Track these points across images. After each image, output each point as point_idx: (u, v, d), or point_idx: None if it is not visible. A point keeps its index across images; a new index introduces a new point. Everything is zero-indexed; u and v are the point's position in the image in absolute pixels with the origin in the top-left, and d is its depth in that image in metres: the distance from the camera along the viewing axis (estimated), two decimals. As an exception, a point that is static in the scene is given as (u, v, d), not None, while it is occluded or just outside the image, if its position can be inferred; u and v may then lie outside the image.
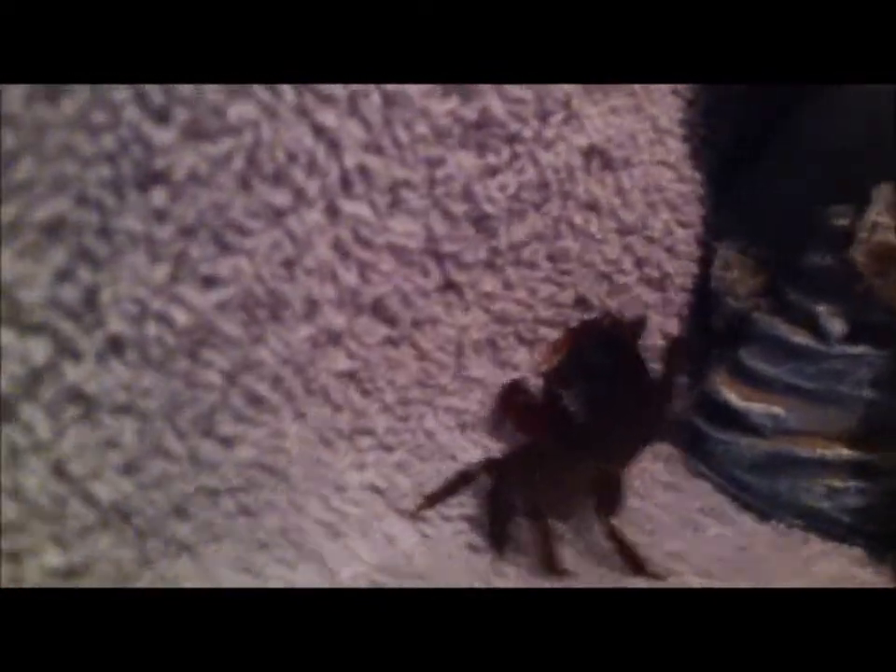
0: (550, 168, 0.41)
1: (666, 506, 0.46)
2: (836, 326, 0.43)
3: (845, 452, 0.43)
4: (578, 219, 0.44)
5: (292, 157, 0.34)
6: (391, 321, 0.40)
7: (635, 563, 0.38)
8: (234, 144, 0.33)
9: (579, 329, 0.43)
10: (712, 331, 0.48)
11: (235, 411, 0.36)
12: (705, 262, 0.49)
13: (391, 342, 0.40)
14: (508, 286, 0.43)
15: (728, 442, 0.46)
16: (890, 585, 0.40)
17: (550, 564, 0.38)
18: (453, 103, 0.37)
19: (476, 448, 0.44)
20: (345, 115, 0.35)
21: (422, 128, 0.37)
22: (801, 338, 0.44)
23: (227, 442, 0.37)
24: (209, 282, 0.34)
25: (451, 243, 0.40)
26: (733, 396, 0.46)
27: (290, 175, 0.34)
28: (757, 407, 0.45)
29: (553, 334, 0.45)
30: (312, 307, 0.37)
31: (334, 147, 0.35)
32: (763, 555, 0.43)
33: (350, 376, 0.40)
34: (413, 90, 0.35)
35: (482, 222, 0.41)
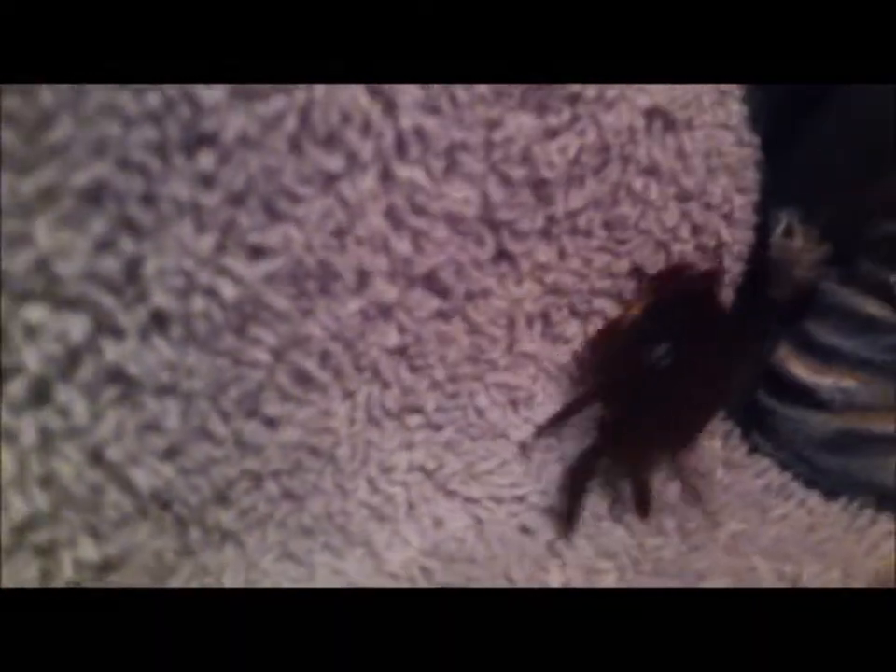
0: (611, 130, 0.39)
1: (728, 486, 0.44)
2: (915, 296, 0.41)
3: (922, 428, 0.41)
4: (637, 185, 0.41)
5: (346, 118, 0.32)
6: (443, 293, 0.38)
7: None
8: (286, 103, 0.31)
9: (664, 276, 0.41)
10: (774, 304, 0.45)
11: (282, 390, 0.34)
12: (764, 231, 0.46)
13: (443, 315, 0.38)
14: (563, 255, 0.41)
15: (796, 419, 0.43)
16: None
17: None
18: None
19: (528, 425, 0.42)
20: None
21: (481, 87, 0.34)
22: (874, 309, 0.42)
23: (272, 423, 0.34)
24: (258, 252, 0.32)
25: (507, 210, 0.37)
26: (801, 370, 0.43)
27: (344, 138, 0.32)
28: (827, 381, 0.43)
29: (608, 306, 0.43)
30: (363, 279, 0.35)
31: (390, 106, 0.33)
32: (832, 535, 0.41)
33: (400, 352, 0.37)
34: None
35: (540, 188, 0.38)
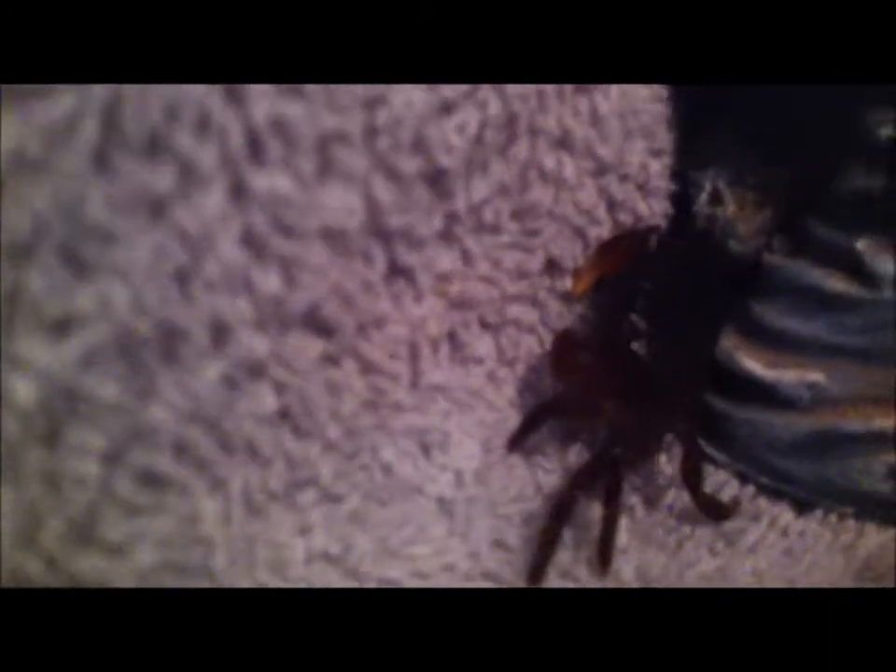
0: (517, 96, 0.30)
1: (681, 511, 0.36)
2: (885, 265, 0.34)
3: (907, 421, 0.34)
4: (549, 162, 0.33)
5: (172, 113, 0.22)
6: (328, 332, 0.28)
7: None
8: (78, 102, 0.20)
9: (613, 245, 0.36)
10: (709, 285, 0.38)
11: (124, 503, 0.24)
12: (685, 200, 0.39)
13: (330, 359, 0.29)
14: (468, 260, 0.32)
15: (755, 422, 0.36)
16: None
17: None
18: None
19: (446, 473, 0.33)
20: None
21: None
22: (838, 283, 0.35)
23: (117, 551, 0.25)
24: (62, 328, 0.21)
25: (399, 214, 0.28)
26: (753, 363, 0.36)
27: (171, 142, 0.22)
28: (789, 375, 0.36)
29: (524, 313, 0.35)
30: (220, 334, 0.25)
31: (234, 95, 0.23)
32: (815, 561, 0.34)
33: (281, 416, 0.28)
34: None
35: (436, 180, 0.29)
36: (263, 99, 0.23)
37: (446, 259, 0.32)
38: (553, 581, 0.32)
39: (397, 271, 0.30)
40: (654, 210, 0.39)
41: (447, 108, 0.28)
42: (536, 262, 0.35)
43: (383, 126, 0.26)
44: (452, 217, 0.31)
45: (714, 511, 0.34)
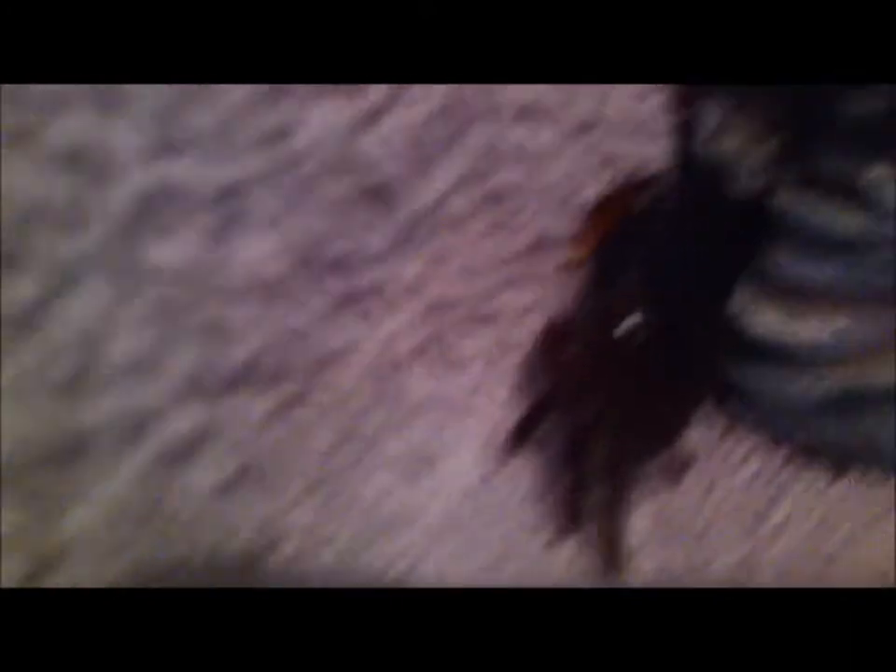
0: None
1: (704, 486, 0.34)
2: (900, 194, 0.30)
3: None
4: (517, 134, 0.29)
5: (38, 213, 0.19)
6: (278, 379, 0.26)
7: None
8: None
9: (608, 202, 0.33)
10: (718, 232, 0.34)
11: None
12: (688, 133, 0.35)
13: (288, 405, 0.27)
14: (440, 259, 0.29)
15: (778, 382, 0.33)
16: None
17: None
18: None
19: (446, 488, 0.31)
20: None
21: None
22: (854, 219, 0.31)
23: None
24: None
25: (340, 238, 0.26)
26: (770, 317, 0.33)
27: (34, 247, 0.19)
28: (809, 326, 0.32)
29: (513, 298, 0.32)
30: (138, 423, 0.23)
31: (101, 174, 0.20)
32: (853, 530, 0.32)
33: (240, 477, 0.26)
34: None
35: (379, 193, 0.26)
36: (141, 169, 0.20)
37: (413, 265, 0.29)
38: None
39: (354, 293, 0.27)
40: (659, 153, 0.35)
41: (373, 116, 0.25)
42: (521, 242, 0.32)
43: (298, 156, 0.23)
44: (410, 223, 0.28)
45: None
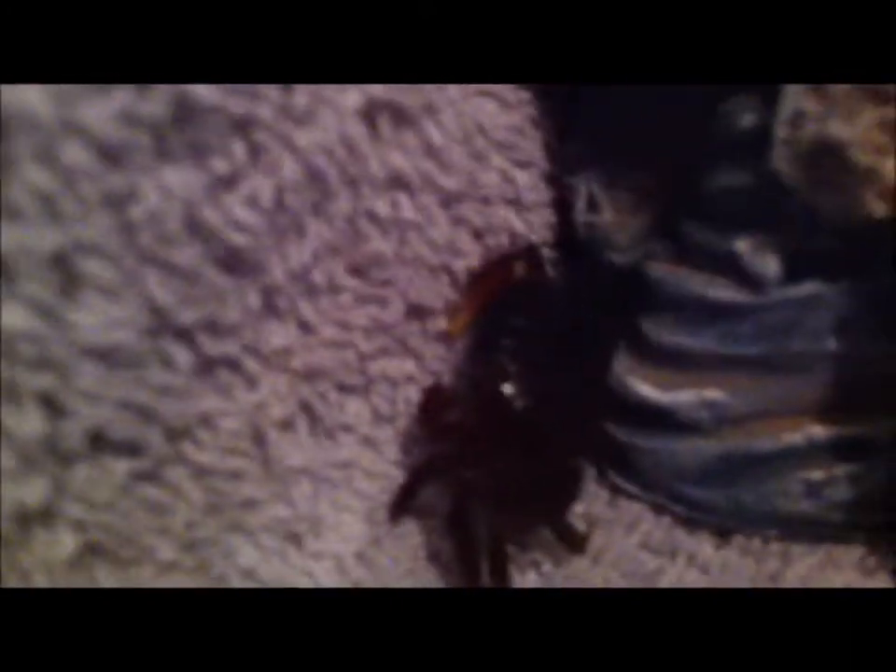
0: (316, 150, 0.27)
1: (593, 553, 0.33)
2: (768, 264, 0.31)
3: (819, 431, 0.31)
4: (381, 207, 0.29)
5: None
6: (131, 450, 0.25)
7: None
8: None
9: (484, 273, 0.33)
10: (595, 302, 0.35)
11: None
12: (564, 208, 0.36)
13: (144, 476, 0.26)
14: (306, 328, 0.29)
15: (658, 450, 0.33)
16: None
17: None
18: (124, 97, 0.22)
19: (323, 561, 0.31)
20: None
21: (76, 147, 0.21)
22: (723, 290, 0.32)
23: None
24: None
25: (191, 307, 0.25)
26: (647, 387, 0.33)
27: None
28: (685, 396, 0.32)
29: (394, 366, 0.32)
30: None
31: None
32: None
33: (90, 553, 0.25)
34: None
35: (235, 260, 0.26)
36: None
37: (278, 334, 0.29)
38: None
39: (211, 364, 0.27)
40: (535, 225, 0.36)
41: (227, 182, 0.25)
42: (394, 312, 0.32)
43: (138, 224, 0.23)
44: (270, 291, 0.28)
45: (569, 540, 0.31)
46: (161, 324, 0.24)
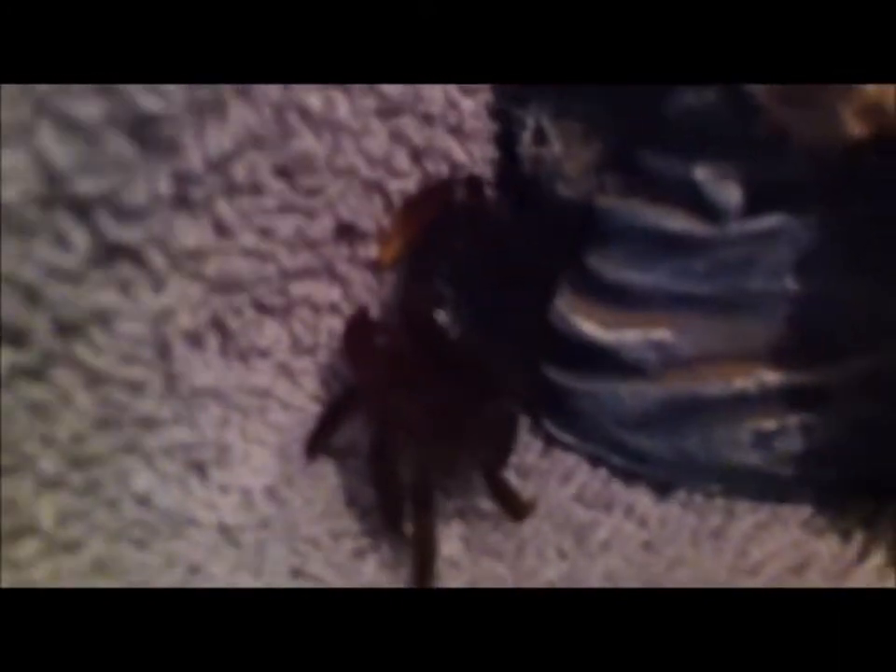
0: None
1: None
2: (730, 194, 0.29)
3: (772, 377, 0.29)
4: (314, 102, 0.27)
5: None
6: (15, 340, 0.22)
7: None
8: None
9: (420, 200, 0.30)
10: (541, 235, 0.32)
11: None
12: (509, 140, 0.33)
13: (26, 373, 0.22)
14: (223, 231, 0.26)
15: (599, 394, 0.31)
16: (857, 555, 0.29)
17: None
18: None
19: (229, 495, 0.27)
20: None
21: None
22: (678, 221, 0.29)
23: None
24: None
25: (91, 177, 0.22)
26: (590, 325, 0.31)
27: None
28: (631, 335, 0.30)
29: (318, 290, 0.29)
30: None
31: None
32: (679, 552, 0.29)
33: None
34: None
35: (144, 131, 0.23)
36: None
37: (191, 232, 0.25)
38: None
39: (110, 251, 0.23)
40: (475, 156, 0.33)
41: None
42: (322, 228, 0.29)
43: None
44: (184, 178, 0.24)
45: (510, 508, 0.28)
46: (55, 190, 0.21)
